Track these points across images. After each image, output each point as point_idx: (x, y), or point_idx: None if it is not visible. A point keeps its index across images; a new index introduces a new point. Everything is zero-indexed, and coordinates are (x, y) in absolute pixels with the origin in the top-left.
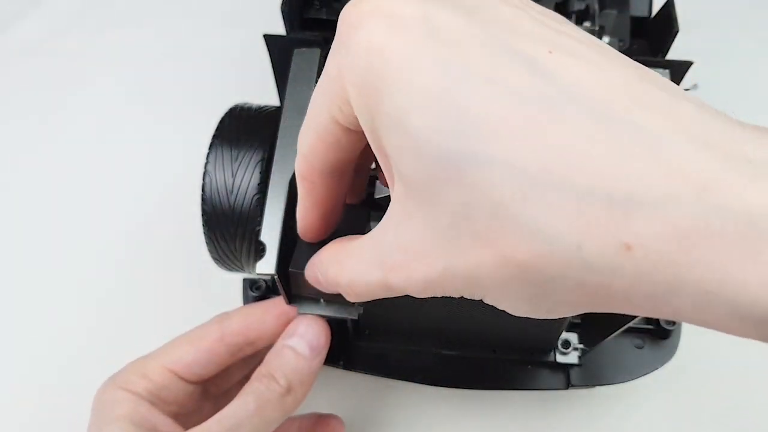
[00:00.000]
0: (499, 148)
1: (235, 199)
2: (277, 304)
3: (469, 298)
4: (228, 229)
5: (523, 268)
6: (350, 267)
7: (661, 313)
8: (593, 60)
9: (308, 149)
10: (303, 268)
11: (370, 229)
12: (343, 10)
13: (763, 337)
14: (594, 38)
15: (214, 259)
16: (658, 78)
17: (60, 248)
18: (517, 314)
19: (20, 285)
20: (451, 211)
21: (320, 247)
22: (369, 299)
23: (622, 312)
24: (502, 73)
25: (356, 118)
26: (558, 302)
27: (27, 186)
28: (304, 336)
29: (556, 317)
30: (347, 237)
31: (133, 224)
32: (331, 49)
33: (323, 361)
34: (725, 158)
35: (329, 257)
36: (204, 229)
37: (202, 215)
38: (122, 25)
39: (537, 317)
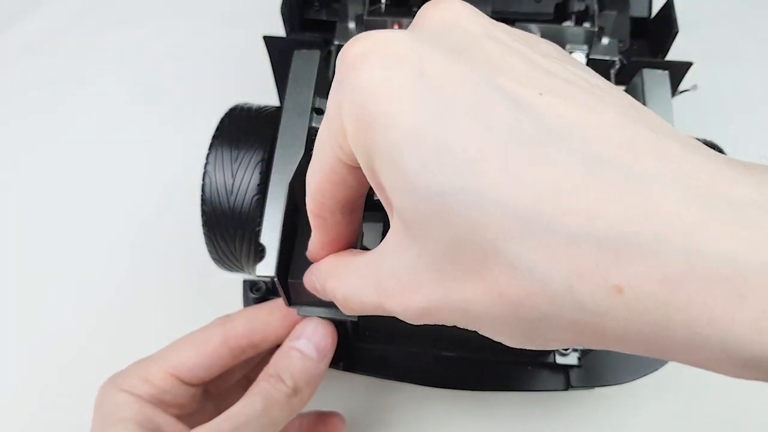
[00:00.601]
0: (488, 187)
1: (235, 199)
2: (281, 306)
3: (463, 328)
4: (228, 229)
5: (516, 305)
6: (347, 282)
7: (654, 353)
8: (583, 101)
9: (316, 188)
10: (301, 278)
11: (361, 232)
12: (341, 50)
13: (752, 376)
14: (585, 73)
15: (214, 259)
16: (650, 116)
17: (60, 248)
18: (511, 345)
19: (20, 285)
20: (444, 246)
21: None
22: (363, 314)
23: (615, 350)
24: (488, 113)
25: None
26: (552, 339)
27: (27, 186)
28: (312, 338)
29: (551, 350)
30: (347, 251)
31: (133, 224)
32: (331, 88)
33: (329, 363)
34: (710, 202)
35: (328, 268)
36: (204, 229)
37: (202, 215)
38: (122, 25)
39: (532, 348)
